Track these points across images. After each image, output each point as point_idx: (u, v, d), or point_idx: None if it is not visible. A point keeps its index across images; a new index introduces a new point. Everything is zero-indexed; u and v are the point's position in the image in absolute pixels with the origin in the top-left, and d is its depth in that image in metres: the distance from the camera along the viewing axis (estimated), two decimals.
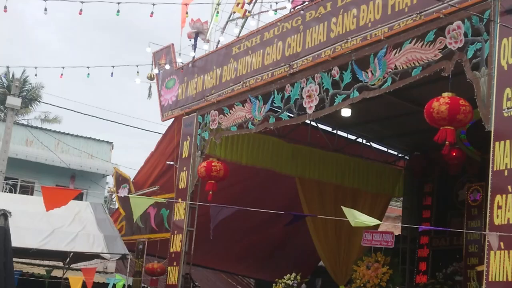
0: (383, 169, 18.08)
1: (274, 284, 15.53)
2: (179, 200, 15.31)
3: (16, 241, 5.72)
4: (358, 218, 8.17)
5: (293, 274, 15.32)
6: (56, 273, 18.61)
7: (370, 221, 8.18)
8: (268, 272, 18.87)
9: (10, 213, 5.36)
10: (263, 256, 19.07)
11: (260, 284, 22.80)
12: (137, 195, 16.82)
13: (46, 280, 18.28)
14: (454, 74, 9.74)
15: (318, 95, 11.97)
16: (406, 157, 18.75)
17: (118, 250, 15.58)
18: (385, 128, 17.00)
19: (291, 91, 12.59)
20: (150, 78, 17.15)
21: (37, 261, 18.73)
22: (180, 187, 15.66)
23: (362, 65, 11.21)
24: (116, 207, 20.62)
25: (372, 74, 10.88)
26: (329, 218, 15.49)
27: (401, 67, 10.48)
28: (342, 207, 8.26)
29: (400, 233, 17.27)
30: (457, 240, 15.81)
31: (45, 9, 14.03)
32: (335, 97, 11.60)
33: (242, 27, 14.95)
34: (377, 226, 13.29)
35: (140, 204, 11.27)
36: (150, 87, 17.25)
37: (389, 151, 18.76)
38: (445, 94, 9.25)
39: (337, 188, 17.07)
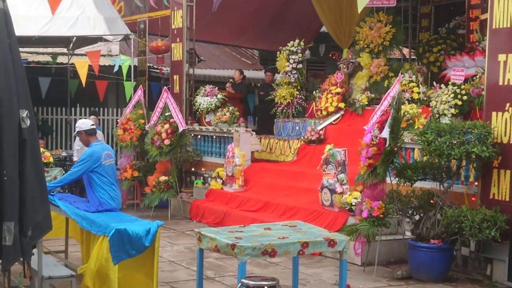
0: None
1: (278, 53, 15.60)
2: None
3: (17, 30, 5.62)
4: None
5: (297, 41, 15.34)
6: (62, 59, 18.75)
7: None
8: (271, 42, 18.89)
9: None
10: (265, 26, 18.97)
11: (264, 54, 23.06)
12: None
13: (53, 67, 18.46)
14: None
15: None
16: None
17: (119, 31, 15.59)
18: None
19: None
20: None
21: (41, 49, 18.77)
22: None
23: None
24: None
25: None
26: None
27: None
28: None
29: None
30: None
31: None
32: None
33: None
34: None
35: None
36: None
37: None
38: None
39: None
